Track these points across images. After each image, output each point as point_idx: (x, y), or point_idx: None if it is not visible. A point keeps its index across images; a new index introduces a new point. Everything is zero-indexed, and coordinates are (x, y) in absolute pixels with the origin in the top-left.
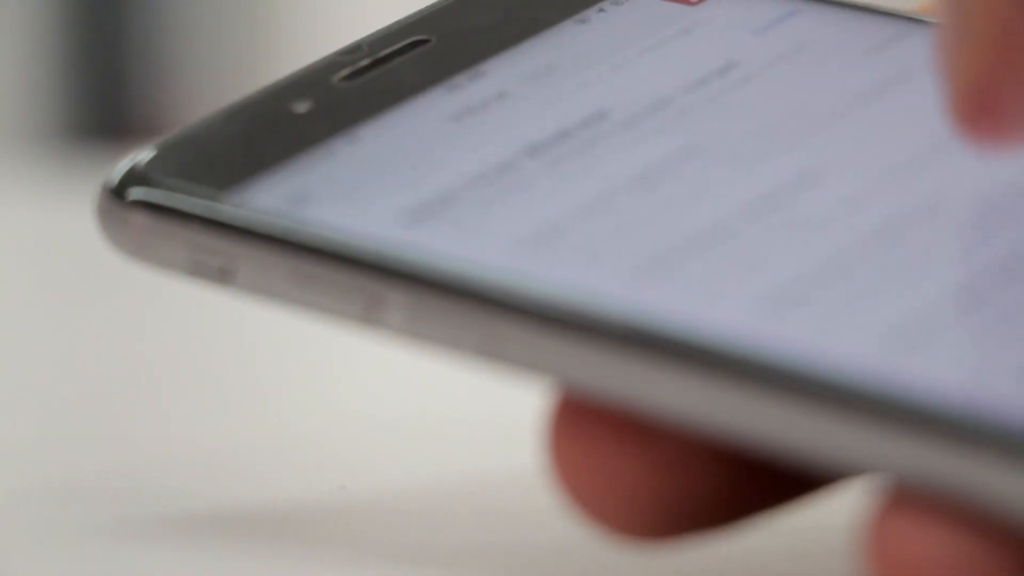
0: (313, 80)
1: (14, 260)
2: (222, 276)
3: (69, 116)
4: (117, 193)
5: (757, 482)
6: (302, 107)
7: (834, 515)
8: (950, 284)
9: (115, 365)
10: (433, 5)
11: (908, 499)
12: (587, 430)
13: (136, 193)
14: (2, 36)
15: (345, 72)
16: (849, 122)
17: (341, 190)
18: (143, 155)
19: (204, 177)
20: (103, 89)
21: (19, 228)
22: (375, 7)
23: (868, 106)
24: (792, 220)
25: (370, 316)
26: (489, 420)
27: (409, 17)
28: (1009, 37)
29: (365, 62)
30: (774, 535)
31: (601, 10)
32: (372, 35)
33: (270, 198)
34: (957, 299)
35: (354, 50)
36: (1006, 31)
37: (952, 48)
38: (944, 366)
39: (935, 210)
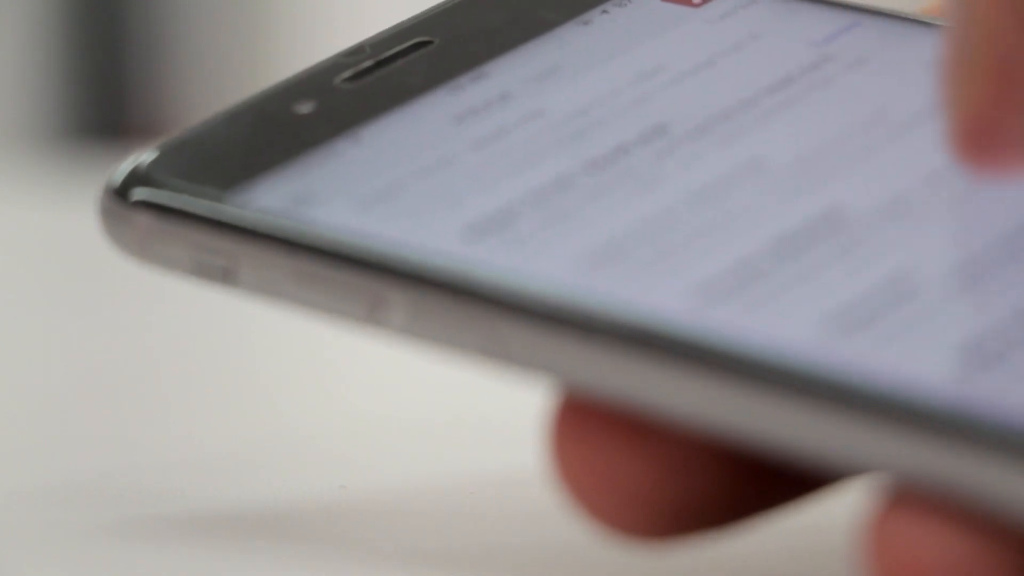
0: (316, 81)
1: (14, 260)
2: (225, 276)
3: (69, 116)
4: (120, 194)
5: (759, 483)
6: (305, 108)
7: (834, 515)
8: (953, 287)
9: (115, 365)
10: (436, 7)
11: (908, 499)
12: (590, 430)
13: (139, 193)
14: (2, 36)
15: (348, 73)
16: (858, 121)
17: (344, 191)
18: (146, 156)
19: (207, 178)
20: (103, 89)
21: (19, 228)
22: (377, 8)
23: (869, 108)
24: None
25: (373, 316)
26: (489, 420)
27: (412, 19)
28: (1011, 68)
29: (368, 63)
30: (774, 535)
31: (604, 11)
32: (375, 36)
33: (273, 198)
34: (959, 300)
35: (357, 51)
36: (1008, 61)
37: (955, 78)
38: (945, 366)
39: (970, 224)
